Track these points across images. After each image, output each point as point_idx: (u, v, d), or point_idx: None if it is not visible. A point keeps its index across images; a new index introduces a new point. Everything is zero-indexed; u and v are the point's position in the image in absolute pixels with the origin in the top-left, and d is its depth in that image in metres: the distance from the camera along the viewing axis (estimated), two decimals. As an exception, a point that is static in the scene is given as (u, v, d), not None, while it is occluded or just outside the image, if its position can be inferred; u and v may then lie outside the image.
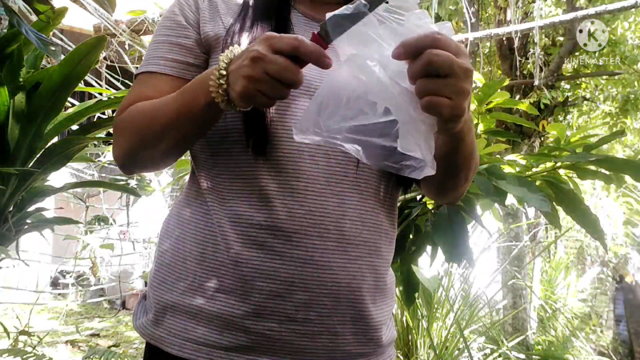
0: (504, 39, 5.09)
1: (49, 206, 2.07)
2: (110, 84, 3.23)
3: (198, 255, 0.78)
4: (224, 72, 0.65)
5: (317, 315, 0.74)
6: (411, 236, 1.54)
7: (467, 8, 2.88)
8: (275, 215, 0.74)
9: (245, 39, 0.80)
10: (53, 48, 1.35)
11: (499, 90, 1.70)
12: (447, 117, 0.57)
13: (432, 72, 0.56)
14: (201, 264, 0.78)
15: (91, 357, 2.65)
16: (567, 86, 5.81)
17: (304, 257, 0.74)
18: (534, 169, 1.60)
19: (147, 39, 3.10)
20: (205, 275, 0.77)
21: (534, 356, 4.00)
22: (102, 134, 1.87)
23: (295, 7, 0.88)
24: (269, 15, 0.83)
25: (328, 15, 0.60)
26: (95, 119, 1.90)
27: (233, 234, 0.76)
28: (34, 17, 1.68)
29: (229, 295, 0.75)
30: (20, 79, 1.45)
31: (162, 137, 0.75)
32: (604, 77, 5.68)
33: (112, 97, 1.79)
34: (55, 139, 1.68)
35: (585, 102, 6.15)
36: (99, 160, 2.88)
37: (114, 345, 4.32)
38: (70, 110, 1.71)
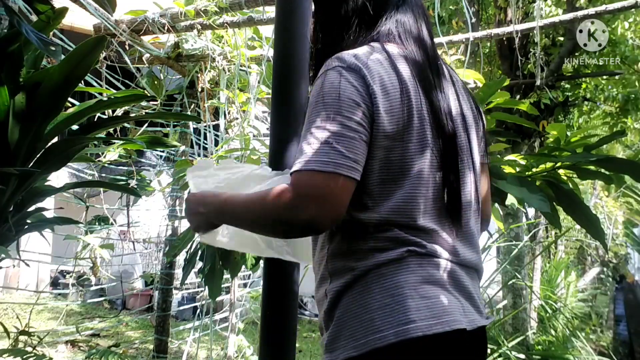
0: (504, 39, 5.09)
1: (49, 206, 2.07)
2: (110, 84, 3.23)
3: None
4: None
5: None
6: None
7: (467, 8, 2.87)
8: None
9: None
10: (53, 48, 1.35)
11: (499, 90, 1.70)
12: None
13: None
14: None
15: (91, 357, 2.65)
16: (568, 86, 5.81)
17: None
18: (534, 169, 1.60)
19: (147, 39, 3.09)
20: None
21: (534, 356, 3.99)
22: (102, 134, 1.86)
23: None
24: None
25: None
26: (95, 119, 1.90)
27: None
28: (34, 17, 1.68)
29: None
30: (20, 79, 1.45)
31: None
32: (604, 77, 5.68)
33: (112, 97, 1.78)
34: (55, 139, 1.67)
35: (585, 102, 6.15)
36: (99, 160, 2.87)
37: (114, 345, 4.31)
38: (70, 110, 1.70)
